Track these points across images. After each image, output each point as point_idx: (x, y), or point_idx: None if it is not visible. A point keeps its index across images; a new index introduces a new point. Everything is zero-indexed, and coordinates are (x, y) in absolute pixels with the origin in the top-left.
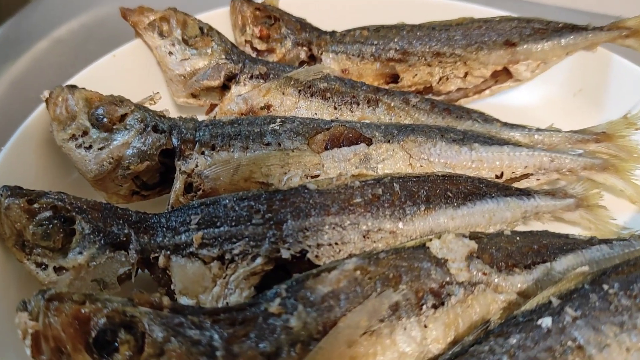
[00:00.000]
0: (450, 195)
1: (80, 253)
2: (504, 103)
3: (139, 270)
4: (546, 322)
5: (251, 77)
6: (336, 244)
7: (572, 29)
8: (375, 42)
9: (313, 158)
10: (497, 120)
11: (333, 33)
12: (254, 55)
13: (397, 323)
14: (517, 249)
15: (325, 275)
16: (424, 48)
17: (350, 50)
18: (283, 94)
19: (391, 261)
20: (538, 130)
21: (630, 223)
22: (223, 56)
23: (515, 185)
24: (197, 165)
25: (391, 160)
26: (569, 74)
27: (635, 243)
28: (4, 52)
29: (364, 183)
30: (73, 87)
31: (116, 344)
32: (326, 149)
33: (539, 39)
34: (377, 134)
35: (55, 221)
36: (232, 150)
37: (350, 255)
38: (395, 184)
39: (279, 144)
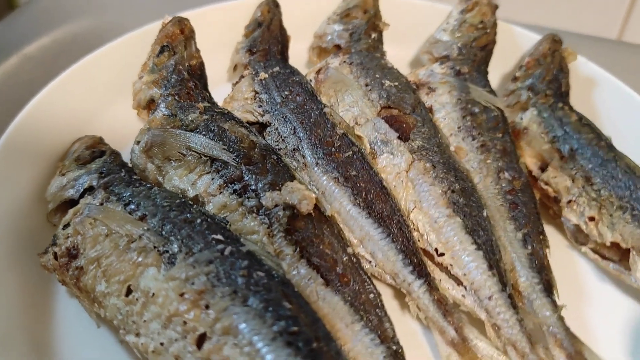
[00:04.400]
0: (363, 195)
1: None
2: None
3: None
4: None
5: (452, 68)
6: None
7: None
8: (568, 130)
9: (370, 114)
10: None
11: (559, 100)
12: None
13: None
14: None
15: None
16: (586, 163)
17: (546, 118)
18: (449, 92)
19: (266, 161)
20: (546, 290)
21: None
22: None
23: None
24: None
25: (393, 158)
26: None
27: None
28: None
29: (343, 136)
30: None
31: None
32: (383, 117)
33: None
34: (419, 142)
35: None
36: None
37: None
38: (350, 152)
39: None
